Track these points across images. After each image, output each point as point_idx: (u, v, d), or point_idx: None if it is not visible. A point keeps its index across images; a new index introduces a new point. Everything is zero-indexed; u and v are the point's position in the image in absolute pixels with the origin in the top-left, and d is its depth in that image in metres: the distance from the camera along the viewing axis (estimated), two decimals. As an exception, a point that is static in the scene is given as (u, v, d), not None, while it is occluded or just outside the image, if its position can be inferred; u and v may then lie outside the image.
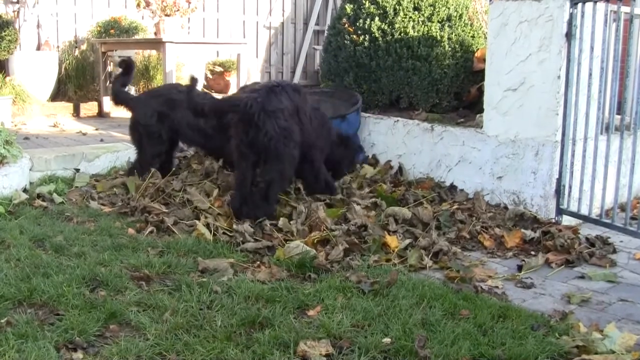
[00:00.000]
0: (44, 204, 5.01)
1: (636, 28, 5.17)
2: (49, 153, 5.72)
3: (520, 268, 4.08)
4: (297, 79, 11.22)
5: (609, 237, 4.54)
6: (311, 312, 3.32)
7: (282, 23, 11.06)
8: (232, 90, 9.85)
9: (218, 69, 9.69)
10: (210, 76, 9.76)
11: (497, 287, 3.82)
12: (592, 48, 4.44)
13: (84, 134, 7.00)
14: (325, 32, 11.35)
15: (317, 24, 11.33)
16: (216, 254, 4.11)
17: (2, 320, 3.02)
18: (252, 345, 2.91)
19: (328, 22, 11.46)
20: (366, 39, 5.98)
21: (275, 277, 3.78)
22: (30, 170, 5.45)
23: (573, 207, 4.70)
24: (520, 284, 3.86)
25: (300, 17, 11.25)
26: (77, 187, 5.44)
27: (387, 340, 3.00)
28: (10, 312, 3.15)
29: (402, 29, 5.86)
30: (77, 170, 5.66)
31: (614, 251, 4.40)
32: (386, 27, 5.91)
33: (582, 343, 3.05)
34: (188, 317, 3.17)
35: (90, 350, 2.88)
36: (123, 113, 8.44)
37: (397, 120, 5.79)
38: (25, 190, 5.17)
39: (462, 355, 2.88)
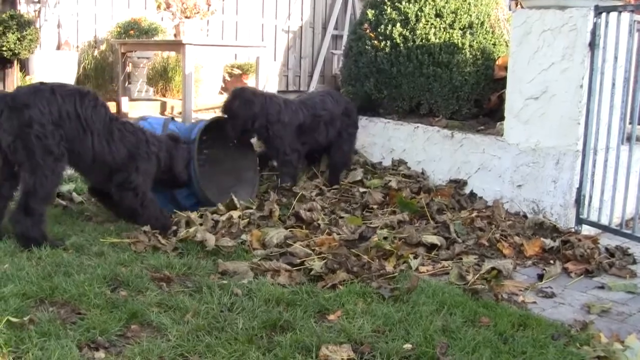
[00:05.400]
0: (64, 202, 5.05)
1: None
2: (70, 152, 5.74)
3: (541, 277, 4.07)
4: (314, 83, 11.22)
5: (629, 248, 4.52)
6: (332, 317, 3.32)
7: (301, 27, 11.06)
8: (250, 92, 9.85)
9: (236, 71, 9.70)
10: (229, 78, 9.78)
11: (516, 294, 3.81)
12: (615, 58, 4.42)
13: (103, 134, 7.01)
14: (344, 36, 11.41)
15: (335, 28, 11.32)
16: (236, 257, 4.12)
17: (25, 319, 3.03)
18: (274, 348, 2.92)
19: (346, 27, 11.45)
20: (387, 44, 5.98)
21: (295, 281, 3.78)
22: (50, 169, 5.48)
23: (593, 217, 4.68)
24: (540, 293, 3.85)
25: (318, 21, 11.25)
26: (96, 186, 5.46)
27: (408, 346, 3.01)
28: (33, 310, 3.17)
29: (424, 36, 5.86)
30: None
31: (634, 262, 4.38)
32: (407, 34, 5.91)
33: (604, 354, 3.04)
34: (209, 319, 3.18)
35: (112, 349, 2.90)
36: (141, 113, 8.49)
37: (417, 127, 5.79)
38: (45, 189, 5.20)
39: (483, 363, 2.87)
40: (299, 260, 4.00)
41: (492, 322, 3.32)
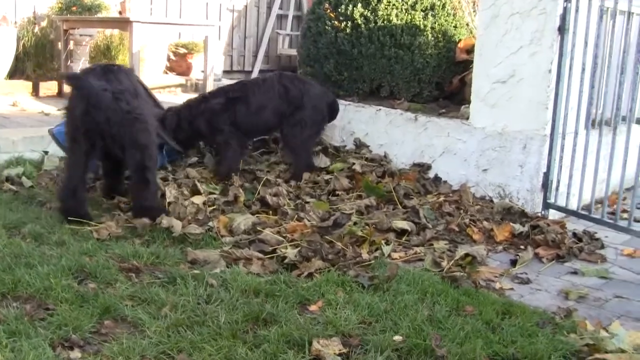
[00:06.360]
0: (14, 188, 4.77)
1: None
2: (16, 134, 5.44)
3: (514, 263, 4.04)
4: (259, 63, 11.04)
5: (596, 232, 4.54)
6: (313, 307, 3.22)
7: (246, 6, 10.85)
8: (195, 72, 9.62)
9: (182, 50, 9.43)
10: (173, 58, 9.49)
11: (492, 281, 3.77)
12: (586, 43, 4.40)
13: (47, 114, 6.70)
14: (289, 16, 11.24)
15: (280, 8, 11.16)
16: (204, 245, 3.96)
17: (-11, 316, 2.83)
18: (261, 343, 2.78)
19: (292, 6, 11.31)
20: (348, 25, 5.85)
21: (269, 270, 3.66)
22: (-4, 152, 5.18)
23: (561, 202, 4.69)
24: (516, 279, 3.82)
25: (263, 1, 11.07)
26: (46, 170, 5.19)
27: (398, 338, 2.92)
28: (-5, 307, 2.96)
29: (385, 17, 5.75)
30: (46, 152, 5.39)
31: (602, 246, 4.40)
32: (369, 14, 5.79)
33: (592, 342, 3.02)
34: (188, 312, 3.02)
35: (88, 348, 2.72)
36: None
37: (379, 110, 5.69)
38: (-8, 173, 4.92)
39: (477, 355, 2.80)
40: (270, 248, 3.87)
41: (477, 310, 3.26)
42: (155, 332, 2.83)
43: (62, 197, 4.23)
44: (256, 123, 5.36)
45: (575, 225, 4.66)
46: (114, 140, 4.13)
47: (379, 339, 2.88)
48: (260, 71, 10.86)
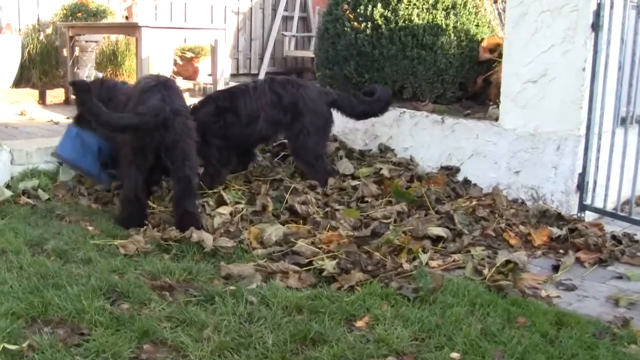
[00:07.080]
0: (31, 201, 4.61)
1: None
2: (30, 145, 5.26)
3: (556, 268, 3.90)
4: (265, 66, 10.89)
5: (635, 234, 4.39)
6: (359, 323, 3.06)
7: (251, 8, 10.71)
8: (202, 76, 9.47)
9: (189, 54, 9.27)
10: (180, 62, 9.33)
11: (537, 288, 3.62)
12: (622, 40, 4.26)
13: (56, 123, 6.53)
14: (294, 17, 11.09)
15: (285, 9, 11.02)
16: (236, 258, 3.80)
17: (24, 345, 2.66)
18: (315, 366, 2.63)
19: (297, 8, 11.16)
20: (368, 26, 5.69)
21: (307, 283, 3.51)
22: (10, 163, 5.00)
23: (598, 203, 4.54)
24: (561, 286, 3.68)
25: (268, 2, 10.93)
26: (62, 181, 5.02)
27: (455, 355, 2.77)
28: (27, 333, 2.79)
29: (407, 17, 5.59)
30: (61, 163, 5.22)
31: (644, 248, 4.26)
32: (389, 14, 5.63)
33: (655, 353, 2.88)
34: (232, 333, 2.86)
35: (132, 377, 2.57)
36: (93, 101, 7.99)
37: (404, 112, 5.54)
38: (7, 187, 4.75)
39: (542, 372, 2.66)
40: (306, 260, 3.72)
41: (529, 321, 3.12)
42: (200, 357, 2.67)
43: (127, 206, 4.38)
44: (248, 134, 5.08)
45: (611, 227, 4.52)
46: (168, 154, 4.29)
47: (435, 356, 2.74)
48: (267, 74, 10.72)
